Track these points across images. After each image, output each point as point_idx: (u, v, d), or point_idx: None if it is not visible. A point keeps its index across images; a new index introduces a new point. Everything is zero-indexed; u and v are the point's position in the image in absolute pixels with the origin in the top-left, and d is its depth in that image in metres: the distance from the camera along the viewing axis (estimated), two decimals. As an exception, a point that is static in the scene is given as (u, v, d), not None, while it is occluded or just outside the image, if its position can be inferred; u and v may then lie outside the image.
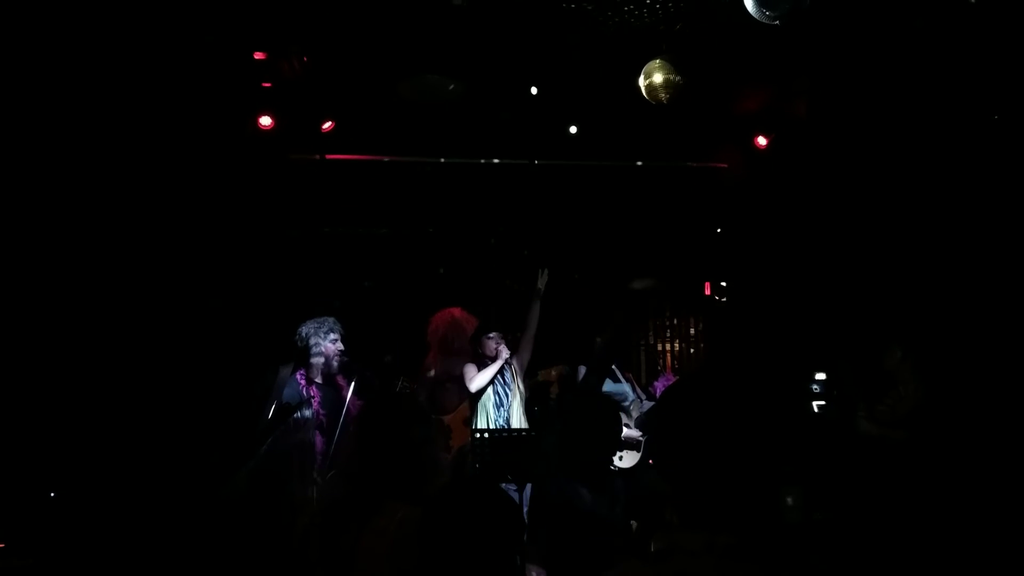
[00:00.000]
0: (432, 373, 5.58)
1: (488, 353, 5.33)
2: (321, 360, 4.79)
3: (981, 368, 5.52)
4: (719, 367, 7.32)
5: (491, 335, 5.34)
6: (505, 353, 5.28)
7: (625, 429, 5.60)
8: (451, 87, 5.95)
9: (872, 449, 5.08)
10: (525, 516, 5.25)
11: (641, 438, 5.60)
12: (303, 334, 4.80)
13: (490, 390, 5.28)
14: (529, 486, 5.18)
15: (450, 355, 5.56)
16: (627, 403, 5.75)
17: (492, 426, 5.13)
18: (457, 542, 1.90)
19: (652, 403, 5.83)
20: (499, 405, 5.26)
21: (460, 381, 5.43)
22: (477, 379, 5.23)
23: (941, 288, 6.07)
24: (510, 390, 5.31)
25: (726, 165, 7.63)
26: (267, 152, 6.58)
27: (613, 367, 5.82)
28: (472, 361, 5.37)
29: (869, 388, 5.67)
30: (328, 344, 4.80)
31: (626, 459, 5.60)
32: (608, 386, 5.69)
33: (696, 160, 7.64)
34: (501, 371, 5.33)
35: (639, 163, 7.53)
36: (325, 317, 4.87)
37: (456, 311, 5.68)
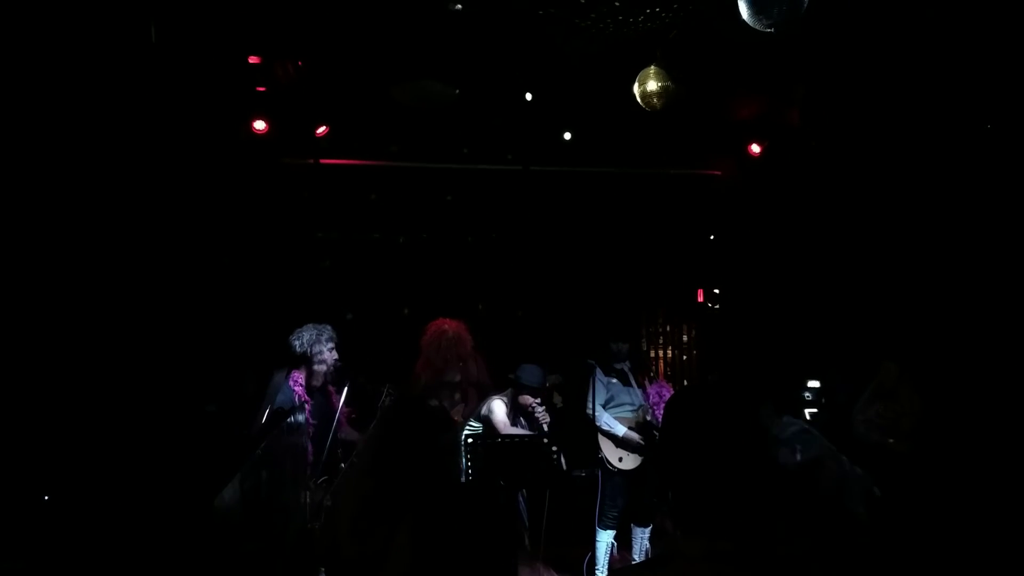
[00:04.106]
0: (423, 380, 5.55)
1: (523, 404, 5.40)
2: (323, 368, 4.81)
3: (979, 379, 5.53)
4: (721, 373, 7.33)
5: (528, 396, 5.40)
6: (544, 420, 5.36)
7: (625, 429, 5.61)
8: (446, 92, 5.95)
9: (872, 457, 5.09)
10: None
11: (642, 441, 5.60)
12: (305, 341, 4.79)
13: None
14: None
15: (436, 366, 5.53)
16: (634, 409, 5.75)
17: None
18: (450, 548, 1.89)
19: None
20: None
21: (450, 388, 5.42)
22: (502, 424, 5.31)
23: (936, 297, 6.09)
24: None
25: (720, 172, 7.65)
26: (261, 156, 6.58)
27: (626, 370, 5.82)
28: (501, 401, 5.43)
29: (865, 398, 5.68)
30: (327, 353, 4.81)
31: (627, 461, 5.61)
32: (616, 390, 5.70)
33: (690, 167, 7.66)
34: (525, 419, 5.42)
35: (633, 170, 7.54)
36: (324, 325, 4.87)
37: (448, 324, 5.64)
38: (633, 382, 5.84)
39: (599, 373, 5.77)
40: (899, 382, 5.53)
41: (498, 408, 5.37)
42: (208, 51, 5.38)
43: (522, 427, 5.41)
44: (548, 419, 5.39)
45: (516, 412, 5.41)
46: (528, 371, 5.42)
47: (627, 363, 5.87)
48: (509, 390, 5.46)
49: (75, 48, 5.00)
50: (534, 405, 5.37)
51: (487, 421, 5.38)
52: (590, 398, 5.70)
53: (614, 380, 5.78)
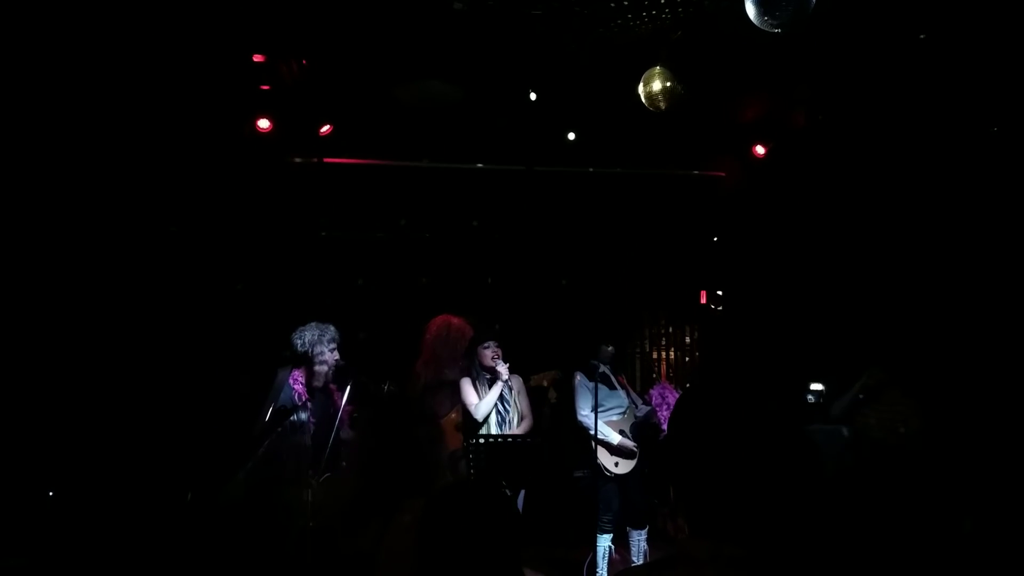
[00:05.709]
0: (423, 379, 5.54)
1: (485, 363, 5.23)
2: (324, 368, 4.80)
3: (977, 384, 5.52)
4: (727, 375, 7.32)
5: (487, 345, 5.25)
6: (504, 372, 5.17)
7: (620, 437, 5.59)
8: (449, 92, 5.94)
9: (893, 460, 5.10)
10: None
11: (635, 447, 5.58)
12: (306, 341, 4.78)
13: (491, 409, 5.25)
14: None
15: (442, 361, 5.51)
16: (622, 411, 5.72)
17: None
18: (455, 544, 1.88)
19: (648, 408, 5.81)
20: (501, 423, 5.22)
21: (451, 387, 5.40)
22: (481, 407, 5.14)
23: (936, 300, 6.07)
24: (510, 406, 5.27)
25: (724, 174, 7.64)
26: (265, 155, 6.57)
27: (608, 373, 5.77)
28: (467, 375, 5.29)
29: (848, 402, 5.69)
30: (328, 354, 4.80)
31: (621, 466, 5.59)
32: (603, 395, 5.65)
33: (694, 168, 7.65)
34: (489, 373, 5.27)
35: (637, 170, 7.53)
36: (326, 325, 4.86)
37: (453, 318, 5.64)
38: (616, 384, 5.81)
39: (583, 378, 5.72)
40: (885, 385, 5.54)
41: (467, 391, 5.25)
42: (212, 50, 5.38)
43: (487, 383, 5.25)
44: (507, 371, 5.16)
45: (481, 373, 5.26)
46: (478, 330, 5.42)
47: (608, 365, 5.80)
48: (474, 359, 5.32)
49: (79, 47, 5.00)
50: (496, 354, 5.20)
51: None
52: (578, 405, 5.67)
53: (599, 384, 5.63)
